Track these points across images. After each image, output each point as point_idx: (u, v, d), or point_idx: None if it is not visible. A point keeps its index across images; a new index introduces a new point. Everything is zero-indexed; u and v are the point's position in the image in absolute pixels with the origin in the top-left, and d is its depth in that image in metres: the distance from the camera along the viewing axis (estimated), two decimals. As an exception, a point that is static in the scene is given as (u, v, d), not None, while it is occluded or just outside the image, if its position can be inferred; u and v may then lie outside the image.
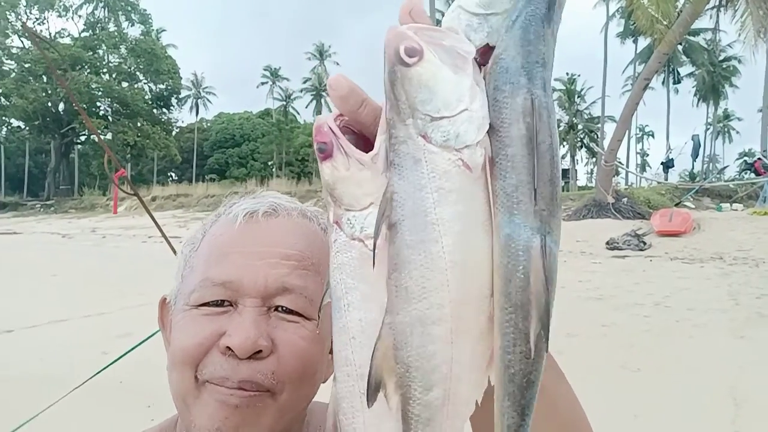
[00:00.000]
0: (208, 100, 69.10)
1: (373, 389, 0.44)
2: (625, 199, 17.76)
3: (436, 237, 0.43)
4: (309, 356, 0.70)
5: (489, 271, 0.44)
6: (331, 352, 0.71)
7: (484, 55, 0.46)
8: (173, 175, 65.49)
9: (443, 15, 0.49)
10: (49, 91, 41.38)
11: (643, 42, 41.11)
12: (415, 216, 0.43)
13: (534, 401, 0.44)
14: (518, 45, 0.44)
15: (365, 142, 0.50)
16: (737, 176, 23.46)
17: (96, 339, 5.98)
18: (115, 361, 1.98)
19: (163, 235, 1.94)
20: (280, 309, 0.69)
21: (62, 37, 44.88)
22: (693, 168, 33.64)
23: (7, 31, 39.88)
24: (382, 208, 0.44)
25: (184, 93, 57.32)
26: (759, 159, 20.58)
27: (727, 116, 68.72)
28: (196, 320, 0.69)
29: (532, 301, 0.42)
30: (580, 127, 58.94)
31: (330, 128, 0.49)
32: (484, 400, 0.46)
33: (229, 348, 0.66)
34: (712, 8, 23.42)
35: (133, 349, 1.97)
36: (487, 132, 0.44)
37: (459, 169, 0.44)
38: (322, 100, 68.17)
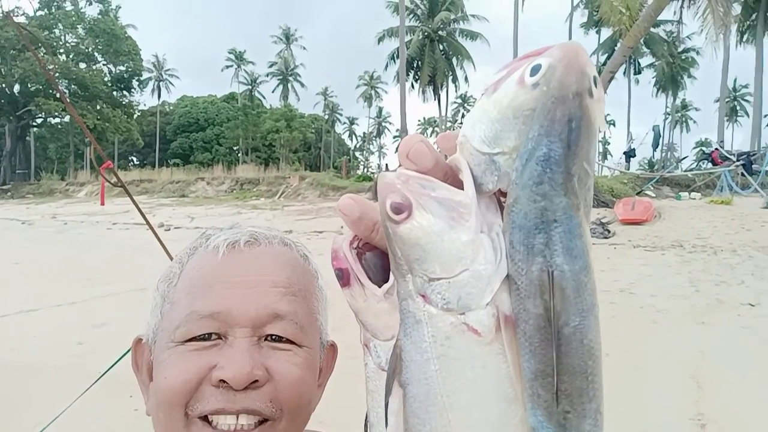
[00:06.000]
0: (170, 83, 67.34)
1: None
2: (589, 188, 18.11)
3: (440, 410, 0.38)
4: (304, 384, 0.69)
5: None
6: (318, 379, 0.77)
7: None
8: (134, 159, 63.78)
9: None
10: (3, 72, 39.66)
11: (606, 32, 41.92)
12: (418, 382, 0.39)
13: None
14: (529, 199, 0.36)
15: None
16: (694, 165, 24.18)
17: (69, 329, 5.89)
18: (117, 361, 1.99)
19: (149, 224, 1.97)
20: (270, 338, 0.68)
21: (16, 16, 42.90)
22: (653, 157, 34.61)
23: (-43, 8, 37.97)
24: (392, 365, 0.41)
25: (145, 75, 55.63)
26: (716, 149, 21.20)
27: (685, 106, 70.63)
28: (184, 357, 0.66)
29: None
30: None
31: (345, 255, 0.45)
32: None
33: (222, 381, 0.63)
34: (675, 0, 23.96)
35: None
36: (509, 285, 0.37)
37: (464, 335, 0.38)
38: (289, 85, 67.29)
